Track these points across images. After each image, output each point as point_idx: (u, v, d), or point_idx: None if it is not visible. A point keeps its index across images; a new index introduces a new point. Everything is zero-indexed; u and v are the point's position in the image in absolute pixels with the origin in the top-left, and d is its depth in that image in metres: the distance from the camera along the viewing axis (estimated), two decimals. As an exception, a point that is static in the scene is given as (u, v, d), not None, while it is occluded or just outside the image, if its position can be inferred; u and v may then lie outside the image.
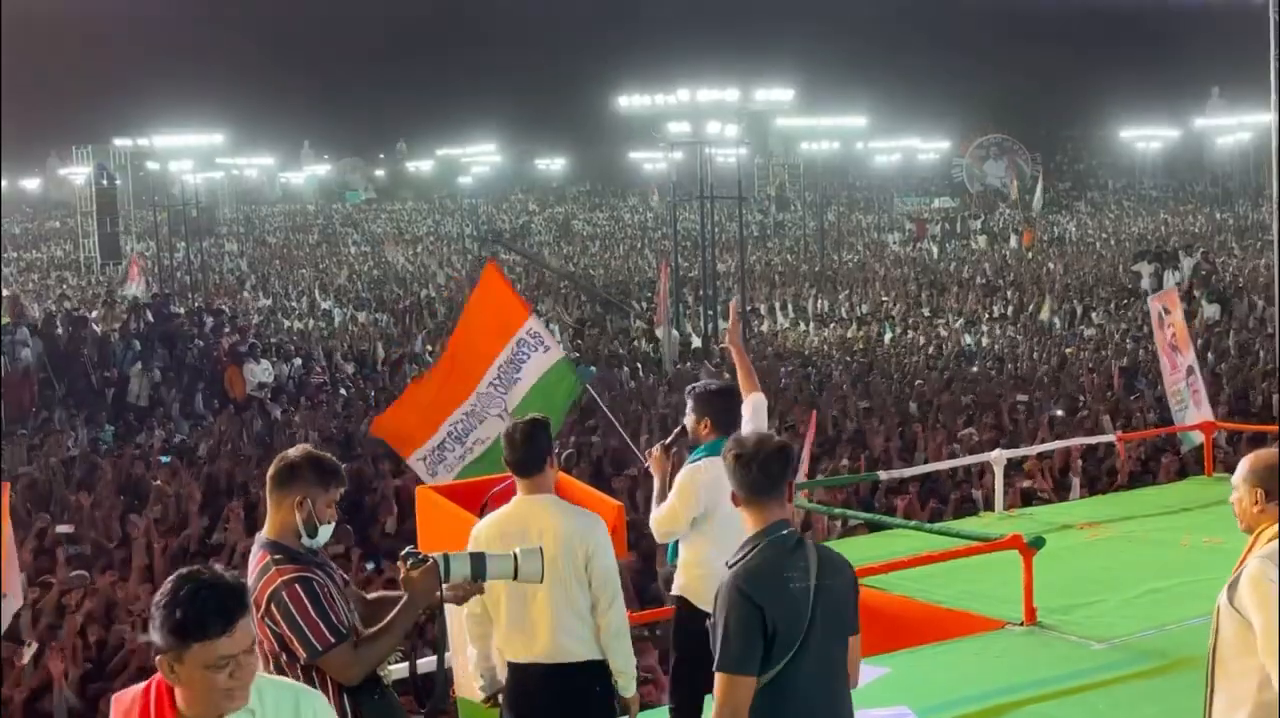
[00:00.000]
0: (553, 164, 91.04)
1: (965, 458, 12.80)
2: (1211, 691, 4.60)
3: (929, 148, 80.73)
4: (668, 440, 6.68)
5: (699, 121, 39.26)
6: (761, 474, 4.35)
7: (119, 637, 9.48)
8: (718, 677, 4.20)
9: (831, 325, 33.27)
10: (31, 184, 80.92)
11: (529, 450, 5.62)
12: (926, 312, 34.32)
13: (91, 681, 8.93)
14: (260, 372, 24.89)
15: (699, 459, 6.30)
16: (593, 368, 25.81)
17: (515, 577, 4.92)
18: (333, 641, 4.50)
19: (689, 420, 6.50)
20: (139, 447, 19.56)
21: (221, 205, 71.81)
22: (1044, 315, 31.76)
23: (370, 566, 11.39)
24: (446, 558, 4.74)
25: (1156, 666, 7.08)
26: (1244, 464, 4.71)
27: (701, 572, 6.22)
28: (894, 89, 75.04)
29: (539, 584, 5.28)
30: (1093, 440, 13.88)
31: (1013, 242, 55.52)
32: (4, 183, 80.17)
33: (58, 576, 11.21)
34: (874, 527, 10.23)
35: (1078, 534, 9.90)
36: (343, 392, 24.84)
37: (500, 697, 5.73)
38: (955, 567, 8.29)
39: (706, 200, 33.99)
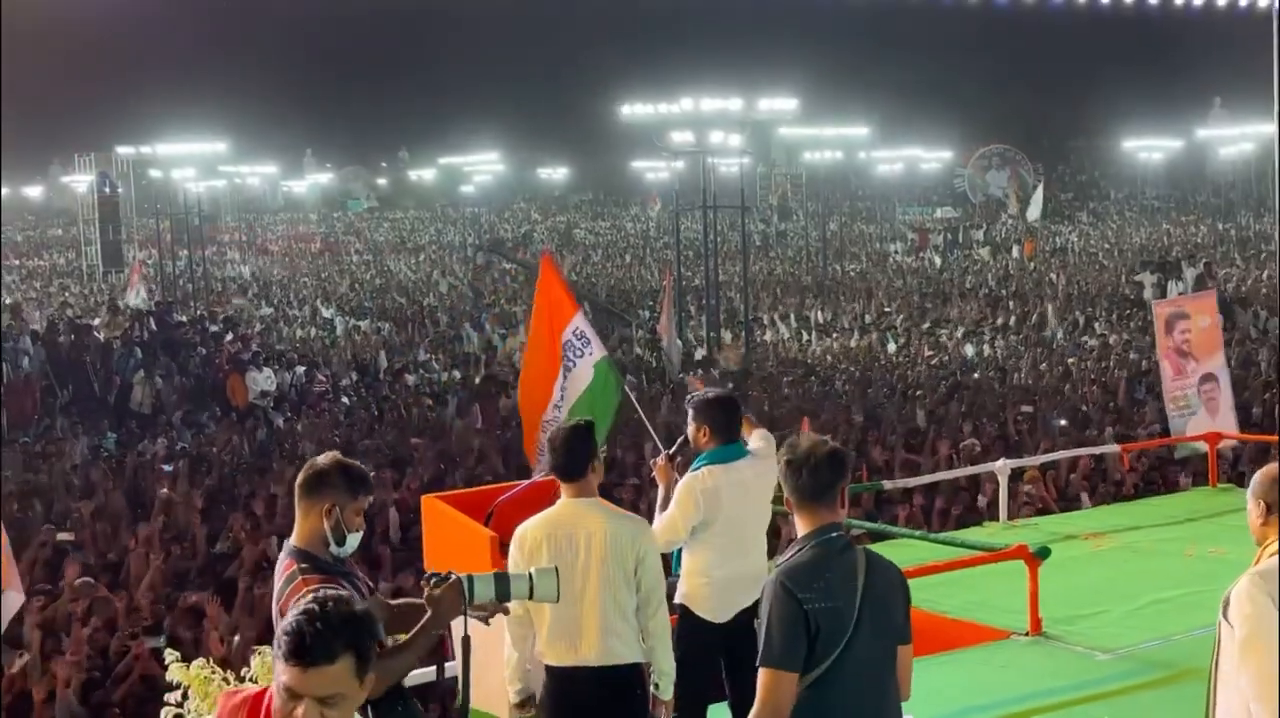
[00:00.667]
0: (555, 173, 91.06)
1: (969, 468, 12.78)
2: (1213, 704, 4.59)
3: (931, 158, 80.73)
4: (671, 449, 6.69)
5: (702, 131, 39.25)
6: (811, 479, 4.35)
7: (122, 644, 9.47)
8: (761, 672, 4.21)
9: (834, 335, 33.26)
10: (34, 192, 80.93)
11: (570, 455, 5.62)
12: (929, 322, 34.32)
13: (94, 688, 8.92)
14: (262, 380, 24.91)
15: (700, 468, 6.31)
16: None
17: (530, 596, 4.87)
18: None
19: (690, 429, 6.51)
20: (141, 454, 19.56)
21: (224, 214, 71.93)
22: (1049, 327, 31.75)
23: (369, 577, 11.36)
24: (471, 579, 4.71)
25: (1162, 676, 7.07)
26: (1255, 478, 4.67)
27: (702, 580, 6.22)
28: (897, 99, 75.14)
29: (586, 587, 5.38)
30: (1096, 451, 13.87)
31: (1015, 252, 55.54)
32: (5, 190, 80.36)
33: (63, 583, 11.20)
34: (877, 536, 10.24)
35: (1083, 545, 9.89)
36: (345, 400, 24.84)
37: (534, 702, 5.70)
38: (960, 577, 8.28)
39: (709, 210, 33.98)
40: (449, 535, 6.38)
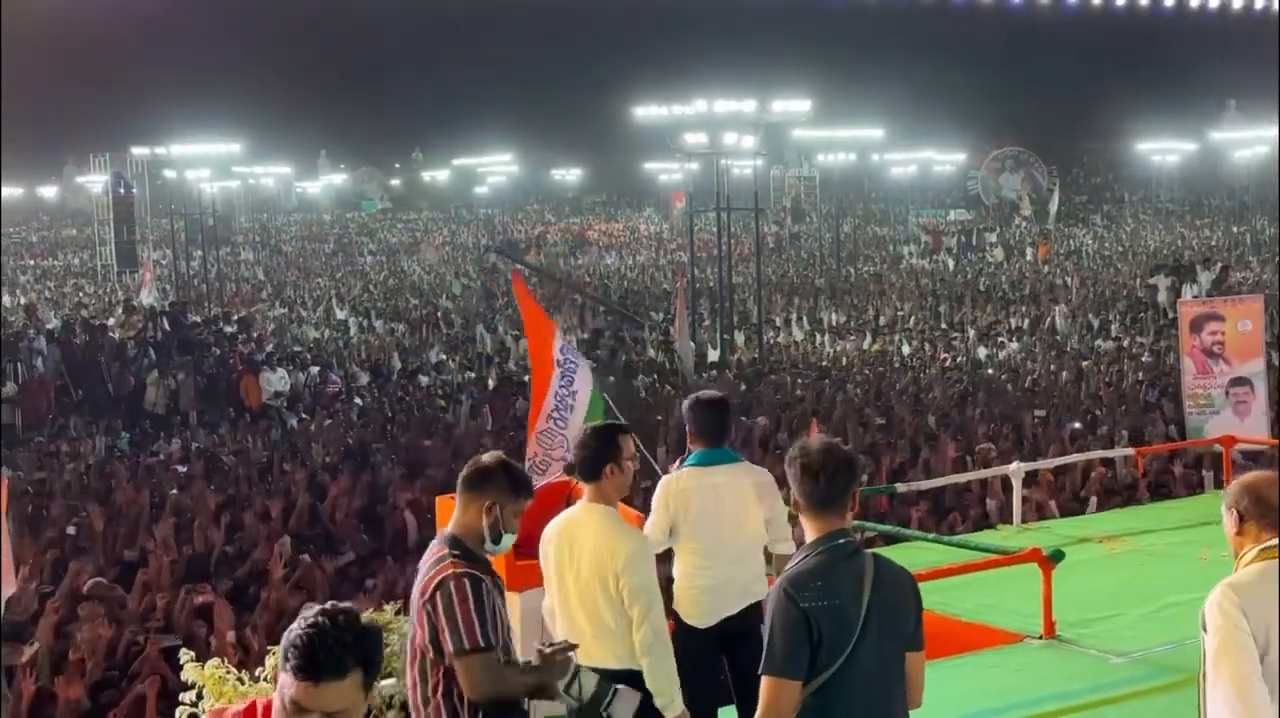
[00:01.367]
0: (569, 174, 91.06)
1: (983, 471, 12.76)
2: (1204, 712, 4.54)
3: (945, 160, 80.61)
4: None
5: (715, 132, 39.22)
6: (829, 486, 4.30)
7: (131, 644, 9.48)
8: (763, 680, 4.18)
9: (848, 338, 33.23)
10: (49, 192, 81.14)
11: (584, 455, 5.61)
12: (943, 325, 34.27)
13: (104, 688, 8.93)
14: (276, 380, 24.95)
15: (685, 468, 6.31)
16: (610, 378, 25.83)
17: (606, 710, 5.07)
18: (481, 644, 4.51)
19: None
20: (154, 455, 19.61)
21: (238, 214, 72.03)
22: (1060, 329, 31.69)
23: (384, 578, 11.35)
24: (578, 669, 4.97)
25: (1175, 680, 7.04)
26: (1229, 489, 4.65)
27: (685, 585, 6.23)
28: (910, 101, 74.96)
29: (575, 594, 5.44)
30: (1110, 454, 13.85)
31: (1029, 254, 55.44)
32: (20, 191, 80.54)
33: (79, 581, 11.22)
34: (890, 539, 10.21)
35: (1096, 548, 9.87)
36: (358, 401, 24.87)
37: None
38: (974, 580, 8.26)
39: (723, 212, 33.96)
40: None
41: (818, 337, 33.83)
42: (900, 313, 36.82)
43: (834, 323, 35.63)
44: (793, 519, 5.47)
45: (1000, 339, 30.75)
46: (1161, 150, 78.05)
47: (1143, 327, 31.12)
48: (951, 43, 77.56)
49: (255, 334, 31.37)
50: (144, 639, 9.32)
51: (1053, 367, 25.39)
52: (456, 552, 4.64)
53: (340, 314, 38.87)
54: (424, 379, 26.53)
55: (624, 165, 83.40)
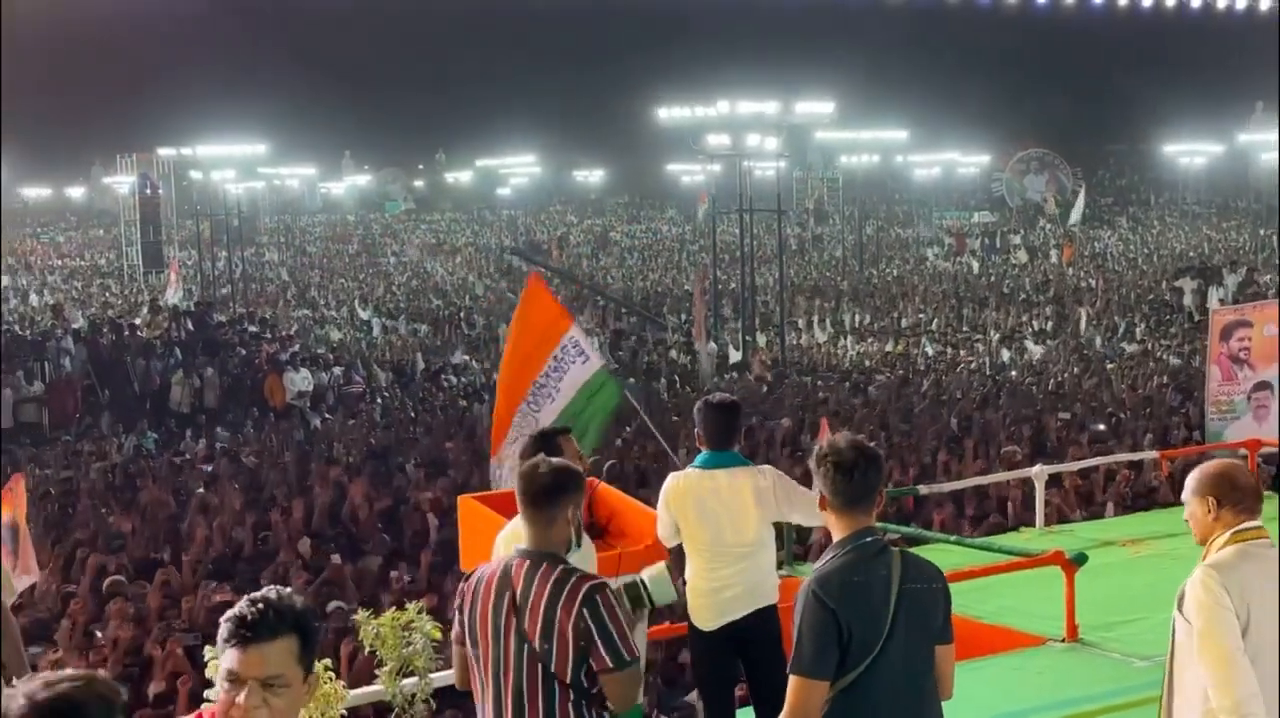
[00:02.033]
0: (591, 175, 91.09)
1: (1006, 473, 12.74)
2: (1169, 700, 4.61)
3: (969, 162, 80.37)
4: None
5: (738, 134, 39.20)
6: (861, 482, 4.28)
7: (154, 643, 9.53)
8: (790, 680, 4.16)
9: (870, 340, 33.18)
10: (76, 193, 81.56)
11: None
12: (966, 327, 34.20)
13: (124, 684, 8.97)
14: (300, 380, 25.05)
15: (686, 470, 6.33)
16: (631, 380, 25.85)
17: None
18: (637, 656, 4.45)
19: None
20: (180, 453, 19.71)
21: (263, 215, 72.21)
22: (1084, 331, 31.60)
23: (407, 578, 11.38)
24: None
25: (1199, 684, 7.01)
26: (1191, 478, 4.70)
27: (691, 587, 6.23)
28: (934, 103, 74.74)
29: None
30: (1134, 457, 13.81)
31: (1054, 256, 55.26)
32: (48, 192, 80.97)
33: (105, 580, 11.29)
34: (912, 541, 10.19)
35: (1120, 551, 9.84)
36: (380, 401, 24.95)
37: None
38: (996, 582, 8.25)
39: (745, 213, 33.95)
40: (485, 535, 6.39)
41: (840, 339, 33.79)
42: (923, 315, 36.74)
43: (857, 325, 35.58)
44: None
45: (1024, 342, 30.68)
46: (1188, 152, 77.65)
47: (1168, 330, 31.00)
48: (976, 44, 77.37)
49: (280, 334, 31.49)
50: (165, 638, 9.38)
51: (1076, 370, 25.31)
52: (569, 566, 4.47)
53: (364, 315, 38.98)
54: (447, 379, 26.59)
55: (646, 167, 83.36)
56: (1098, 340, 30.54)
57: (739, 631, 6.11)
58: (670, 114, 51.38)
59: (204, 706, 3.41)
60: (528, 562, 4.48)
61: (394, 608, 6.05)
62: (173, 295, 37.19)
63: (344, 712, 5.53)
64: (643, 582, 4.93)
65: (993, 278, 47.77)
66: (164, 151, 52.70)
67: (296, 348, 28.91)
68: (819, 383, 25.00)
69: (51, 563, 11.59)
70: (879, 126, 65.06)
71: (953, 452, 16.01)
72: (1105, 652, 7.57)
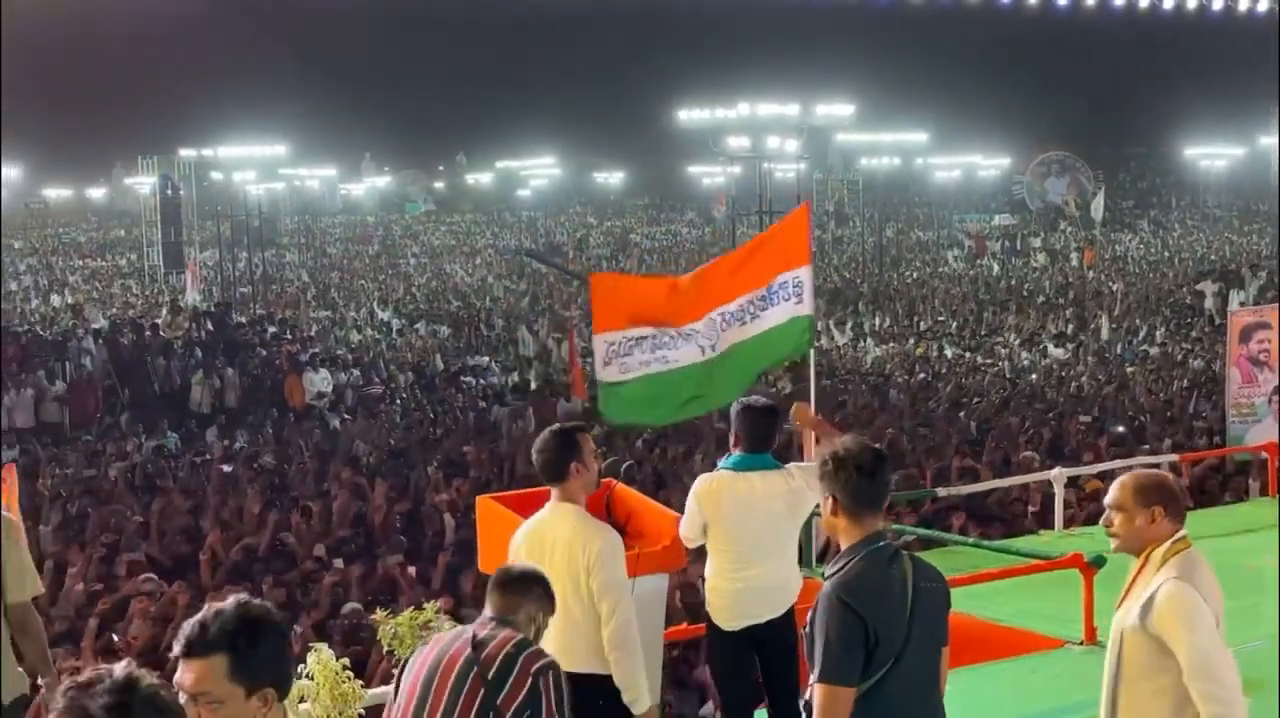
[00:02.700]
0: (611, 177, 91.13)
1: (1025, 476, 12.72)
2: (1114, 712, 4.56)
3: (990, 164, 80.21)
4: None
5: (758, 136, 39.21)
6: (880, 485, 4.32)
7: (170, 642, 9.54)
8: (817, 688, 4.17)
9: (890, 343, 33.11)
10: (97, 193, 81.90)
11: (548, 457, 5.66)
12: (985, 330, 34.13)
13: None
14: (319, 381, 25.11)
15: (718, 471, 6.34)
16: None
17: None
18: None
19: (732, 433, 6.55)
20: (200, 454, 19.77)
21: (283, 216, 72.36)
22: (1105, 334, 31.52)
23: (425, 578, 11.41)
24: None
25: (1218, 688, 6.99)
26: (1129, 485, 4.68)
27: (712, 585, 6.27)
28: (955, 105, 74.60)
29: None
30: (1154, 460, 13.75)
31: (1074, 259, 55.09)
32: (70, 192, 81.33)
33: (123, 582, 11.33)
34: (931, 543, 10.18)
35: (1139, 554, 9.79)
36: (399, 403, 24.98)
37: None
38: (1014, 585, 8.24)
39: (765, 215, 33.96)
40: (503, 536, 6.40)
41: (860, 341, 33.74)
42: (942, 318, 36.66)
43: (877, 328, 35.52)
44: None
45: (1044, 345, 30.60)
46: (1209, 155, 77.40)
47: (1189, 333, 30.89)
48: (996, 46, 77.18)
49: (300, 335, 31.57)
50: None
51: (1100, 375, 25.23)
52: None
53: (383, 315, 39.04)
54: (466, 381, 26.63)
55: (666, 168, 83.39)
56: (1118, 344, 30.45)
57: (760, 631, 6.13)
58: (690, 116, 51.44)
59: None
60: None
61: (411, 608, 6.07)
62: (191, 296, 37.29)
63: (361, 711, 5.56)
64: None
65: (1013, 281, 47.65)
66: (185, 152, 52.89)
67: (316, 349, 28.98)
68: (839, 385, 24.94)
69: (80, 564, 11.64)
70: (899, 129, 65.03)
71: (972, 455, 15.98)
72: (1124, 655, 7.53)
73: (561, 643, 5.39)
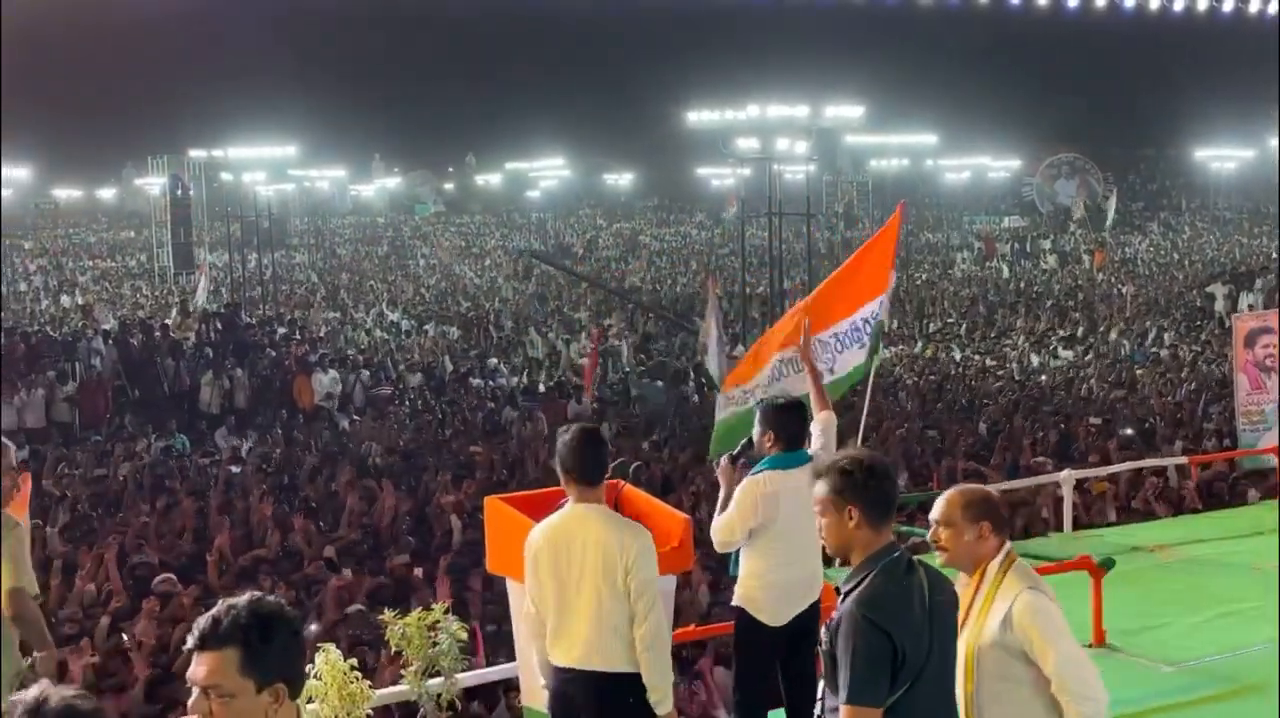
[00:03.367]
0: (621, 179, 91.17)
1: (1034, 478, 12.71)
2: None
3: (999, 166, 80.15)
4: (734, 452, 6.73)
5: (768, 137, 39.20)
6: (895, 494, 4.35)
7: (181, 641, 9.57)
8: (844, 711, 4.11)
9: (899, 345, 33.08)
10: (108, 194, 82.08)
11: (591, 458, 5.61)
12: (995, 332, 34.09)
13: (160, 685, 9.03)
14: (328, 382, 25.13)
15: (761, 472, 6.35)
16: (659, 383, 25.84)
17: None
18: None
19: (755, 433, 6.55)
20: (209, 454, 19.80)
21: (293, 217, 72.43)
22: (1115, 337, 31.47)
23: (433, 579, 11.41)
24: None
25: (1226, 690, 7.01)
26: (956, 501, 4.67)
27: (759, 582, 6.30)
28: (964, 107, 74.54)
29: (579, 597, 5.40)
30: (1163, 462, 13.74)
31: (1085, 262, 55.02)
32: (80, 193, 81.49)
33: (129, 581, 11.35)
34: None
35: (1148, 557, 9.81)
36: (407, 403, 25.00)
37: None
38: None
39: (774, 217, 33.93)
40: (511, 536, 6.41)
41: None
42: (951, 320, 36.63)
43: (886, 329, 35.45)
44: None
45: (1053, 347, 30.56)
46: (1219, 158, 77.30)
47: (1199, 336, 30.83)
48: (1006, 48, 77.09)
49: (309, 336, 31.60)
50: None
51: (1109, 378, 25.19)
52: None
53: (392, 316, 39.08)
54: (475, 382, 26.64)
55: (676, 170, 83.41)
56: (1128, 346, 30.40)
57: (798, 624, 6.24)
58: (700, 117, 51.48)
59: None
60: None
61: (420, 608, 6.09)
62: (200, 297, 37.33)
63: (370, 712, 5.57)
64: None
65: (1022, 283, 47.60)
66: (195, 153, 52.96)
67: (326, 350, 29.01)
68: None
69: (89, 565, 11.67)
70: (909, 130, 65.03)
71: (981, 457, 15.97)
72: (1132, 657, 7.55)
73: (594, 644, 5.42)
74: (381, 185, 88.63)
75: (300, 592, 10.96)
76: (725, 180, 71.44)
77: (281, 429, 22.21)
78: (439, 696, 6.04)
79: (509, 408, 23.11)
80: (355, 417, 23.86)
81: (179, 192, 47.96)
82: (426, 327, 36.85)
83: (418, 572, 11.47)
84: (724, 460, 6.67)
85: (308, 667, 5.99)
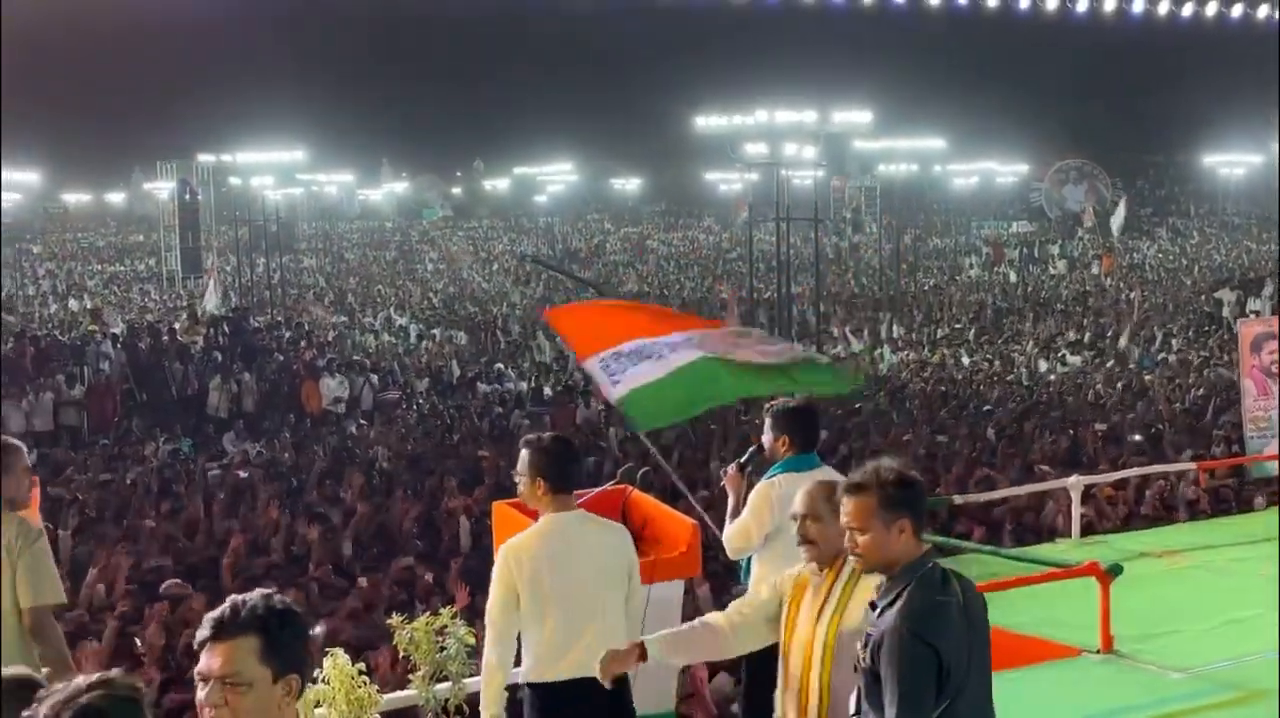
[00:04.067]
0: (628, 184, 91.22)
1: (1041, 484, 12.69)
2: None
3: (1007, 171, 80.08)
4: (743, 459, 6.72)
5: (776, 142, 39.14)
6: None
7: (190, 645, 9.55)
8: None
9: (906, 350, 33.05)
10: (117, 198, 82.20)
11: (572, 467, 5.65)
12: (1003, 338, 34.07)
13: (169, 688, 9.04)
14: (335, 387, 25.15)
15: (775, 476, 6.33)
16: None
17: None
18: None
19: (767, 438, 6.53)
20: (217, 458, 19.83)
21: (301, 221, 72.58)
22: (1123, 343, 31.43)
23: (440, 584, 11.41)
24: None
25: (1234, 697, 6.99)
26: (817, 494, 4.70)
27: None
28: (972, 112, 74.49)
29: (584, 601, 5.39)
30: (1171, 468, 13.72)
31: (1093, 267, 54.98)
32: (89, 197, 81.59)
33: (136, 585, 11.36)
34: (945, 551, 10.15)
35: (1156, 562, 9.79)
36: (416, 408, 25.01)
37: None
38: (1031, 593, 8.21)
39: (783, 222, 33.92)
40: (519, 542, 6.41)
41: (877, 348, 33.69)
42: (959, 325, 36.61)
43: (893, 335, 35.47)
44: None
45: (1061, 353, 30.52)
46: (1228, 163, 77.20)
47: (1207, 342, 30.78)
48: (1014, 53, 77.03)
49: (316, 340, 31.64)
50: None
51: (1118, 384, 25.16)
52: None
53: (400, 321, 39.11)
54: (483, 387, 26.65)
55: (684, 175, 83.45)
56: (1136, 352, 30.36)
57: None
58: (708, 122, 51.39)
59: None
60: None
61: (428, 613, 6.09)
62: (210, 301, 37.37)
63: (378, 716, 5.57)
64: None
65: (1030, 288, 47.58)
66: (204, 158, 53.05)
67: (332, 354, 29.05)
68: (855, 392, 24.89)
69: (100, 567, 11.68)
70: (917, 135, 64.87)
71: (988, 462, 15.95)
72: (1140, 663, 7.53)
73: (596, 652, 5.28)
74: (389, 190, 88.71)
75: (309, 596, 10.96)
76: (733, 185, 71.42)
77: (289, 433, 22.24)
78: (446, 700, 6.04)
79: (517, 412, 23.11)
80: (363, 421, 23.88)
81: (187, 196, 48.07)
82: (434, 331, 36.87)
83: (427, 577, 11.46)
84: (731, 468, 6.67)
85: (315, 672, 6.01)
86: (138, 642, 9.63)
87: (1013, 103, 78.23)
